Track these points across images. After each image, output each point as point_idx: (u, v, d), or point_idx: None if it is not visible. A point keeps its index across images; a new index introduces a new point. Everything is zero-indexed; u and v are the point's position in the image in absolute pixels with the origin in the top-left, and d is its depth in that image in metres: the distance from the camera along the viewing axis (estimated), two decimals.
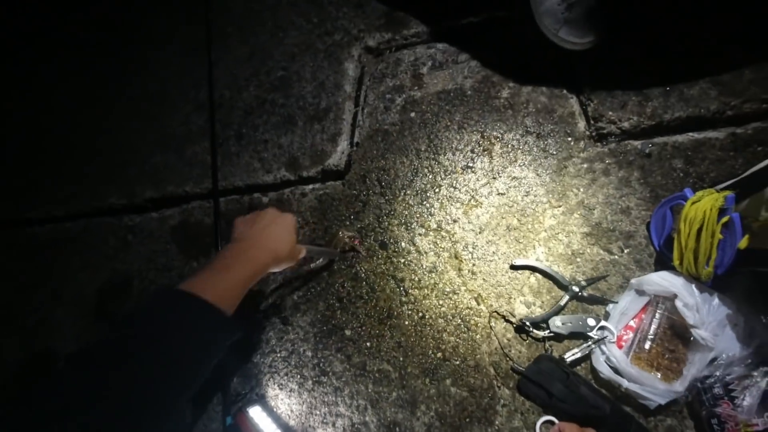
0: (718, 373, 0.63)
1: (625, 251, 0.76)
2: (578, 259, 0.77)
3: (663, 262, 0.73)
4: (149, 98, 1.17)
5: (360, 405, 0.76)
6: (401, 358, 0.77)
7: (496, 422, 0.70)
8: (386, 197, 0.90)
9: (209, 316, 0.50)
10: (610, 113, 0.83)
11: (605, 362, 0.68)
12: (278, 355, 0.83)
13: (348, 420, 0.76)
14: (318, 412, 0.77)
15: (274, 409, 0.79)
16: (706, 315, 0.65)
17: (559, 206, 0.81)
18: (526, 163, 0.86)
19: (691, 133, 0.80)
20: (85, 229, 1.04)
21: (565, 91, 0.90)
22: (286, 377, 0.81)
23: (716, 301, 0.65)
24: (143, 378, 0.41)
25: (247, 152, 1.02)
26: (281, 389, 0.80)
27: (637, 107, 0.83)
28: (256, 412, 0.77)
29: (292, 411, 0.78)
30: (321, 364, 0.80)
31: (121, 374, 0.40)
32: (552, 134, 0.86)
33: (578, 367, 0.71)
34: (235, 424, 0.76)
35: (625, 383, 0.65)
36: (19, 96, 1.33)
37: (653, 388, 0.64)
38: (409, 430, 0.73)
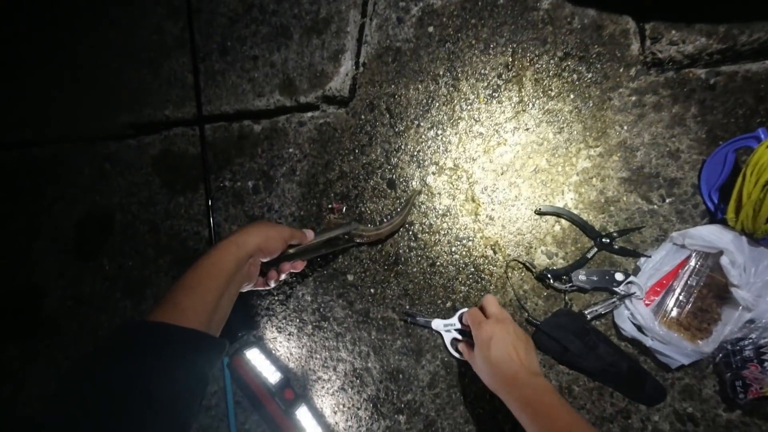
0: (753, 336, 0.59)
1: (667, 200, 0.67)
2: (612, 208, 0.68)
3: (709, 214, 0.64)
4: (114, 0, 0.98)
5: (362, 351, 0.73)
6: (407, 307, 0.72)
7: None
8: (396, 129, 0.78)
9: (196, 344, 0.41)
10: (673, 32, 0.68)
11: (629, 319, 0.63)
12: (275, 298, 0.78)
13: (350, 365, 0.73)
14: (318, 356, 0.74)
15: (273, 352, 0.76)
16: (753, 275, 0.58)
17: (597, 146, 0.70)
18: (562, 93, 0.73)
19: None
20: (56, 157, 0.93)
21: (619, 3, 0.73)
22: (284, 321, 0.77)
23: (766, 261, 0.58)
24: None
25: (233, 70, 0.87)
26: (279, 332, 0.76)
27: (708, 26, 0.67)
28: (253, 355, 0.74)
29: (291, 354, 0.76)
30: (321, 309, 0.75)
31: None
32: (598, 58, 0.72)
33: (598, 322, 0.66)
34: (232, 366, 0.73)
35: (648, 342, 0.61)
36: None
37: (679, 347, 0.59)
38: (413, 377, 0.70)
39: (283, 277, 0.62)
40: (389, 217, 0.74)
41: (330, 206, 0.77)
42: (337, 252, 0.75)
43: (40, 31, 1.01)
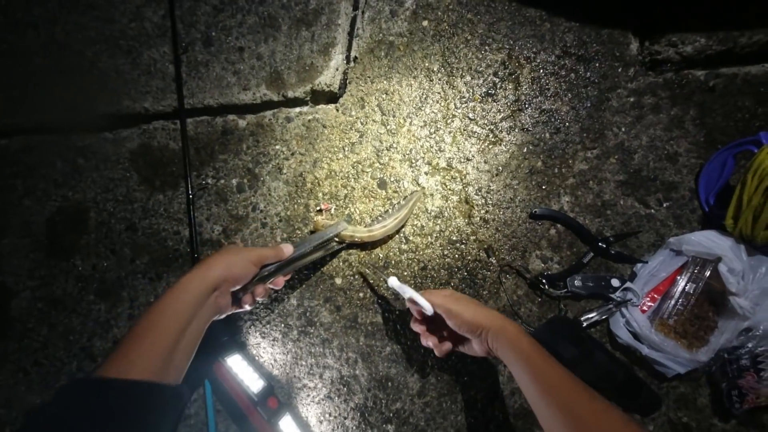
0: (750, 345, 0.57)
1: (664, 205, 0.65)
2: (608, 212, 0.67)
3: (708, 220, 0.63)
4: None
5: (350, 358, 0.70)
6: (398, 312, 0.69)
7: (500, 381, 0.65)
8: (388, 127, 0.75)
9: (141, 398, 0.38)
10: (672, 33, 0.67)
11: (625, 326, 0.62)
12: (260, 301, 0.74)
13: (336, 372, 0.70)
14: (304, 363, 0.71)
15: (256, 358, 0.73)
16: (751, 283, 0.57)
17: (594, 148, 0.68)
18: (560, 92, 0.71)
19: None
20: (25, 149, 0.87)
21: (619, 2, 0.71)
22: (268, 326, 0.73)
23: (765, 268, 0.57)
24: None
25: (218, 62, 0.83)
26: (263, 338, 0.73)
27: (707, 26, 0.66)
28: (235, 361, 0.70)
29: (275, 360, 0.72)
30: (307, 314, 0.72)
31: None
32: (596, 57, 0.70)
33: (593, 329, 0.65)
34: (212, 373, 0.69)
35: (644, 350, 0.59)
36: None
37: (675, 356, 0.58)
38: (402, 385, 0.68)
39: (260, 299, 0.58)
40: (380, 218, 0.71)
41: (318, 207, 0.74)
42: (325, 257, 0.71)
43: (5, 13, 0.95)
